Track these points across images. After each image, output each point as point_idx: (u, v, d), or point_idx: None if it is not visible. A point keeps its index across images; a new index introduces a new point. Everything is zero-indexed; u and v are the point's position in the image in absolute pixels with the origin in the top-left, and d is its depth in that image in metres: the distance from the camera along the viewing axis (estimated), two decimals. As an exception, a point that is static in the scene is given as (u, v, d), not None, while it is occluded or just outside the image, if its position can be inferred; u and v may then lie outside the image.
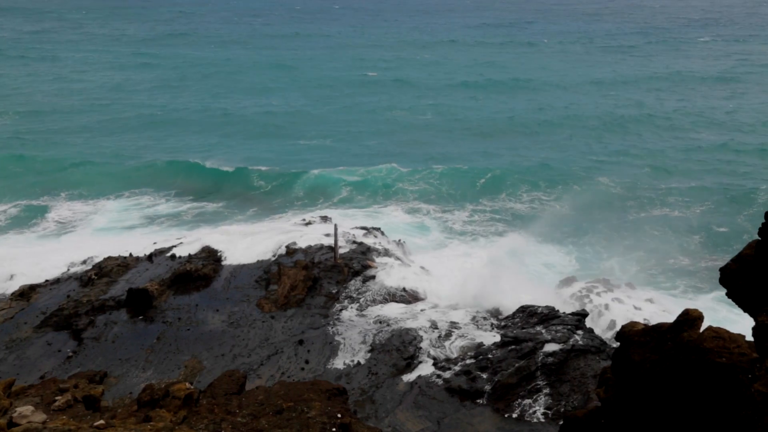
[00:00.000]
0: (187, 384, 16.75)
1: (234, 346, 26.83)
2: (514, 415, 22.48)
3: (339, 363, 25.84)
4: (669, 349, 9.69)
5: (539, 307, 28.61)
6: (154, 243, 37.75)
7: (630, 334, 10.66)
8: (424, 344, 26.79)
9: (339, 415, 16.60)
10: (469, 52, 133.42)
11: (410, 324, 28.38)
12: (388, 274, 32.94)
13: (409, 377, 24.78)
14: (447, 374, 24.59)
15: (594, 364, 24.28)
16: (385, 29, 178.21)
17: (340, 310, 29.96)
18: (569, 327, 26.40)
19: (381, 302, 30.67)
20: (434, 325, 28.26)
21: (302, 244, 36.18)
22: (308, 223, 40.53)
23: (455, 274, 33.86)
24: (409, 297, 31.51)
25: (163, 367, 25.42)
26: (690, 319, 9.69)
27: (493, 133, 72.16)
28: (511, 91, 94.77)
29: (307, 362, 25.82)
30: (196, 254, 34.62)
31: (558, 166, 59.35)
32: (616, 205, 50.04)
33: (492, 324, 28.63)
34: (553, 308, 28.34)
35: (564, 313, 27.94)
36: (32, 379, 23.29)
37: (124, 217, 47.04)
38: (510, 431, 21.80)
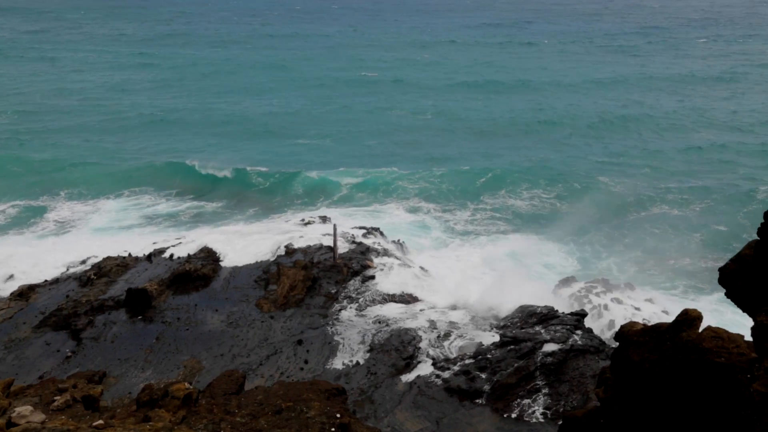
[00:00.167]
0: (186, 384, 16.73)
1: (233, 346, 26.82)
2: (513, 415, 22.48)
3: (338, 363, 25.84)
4: (668, 349, 9.67)
5: (538, 307, 28.62)
6: (154, 243, 37.75)
7: (629, 334, 10.65)
8: (423, 344, 26.79)
9: (338, 415, 16.59)
10: (469, 52, 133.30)
11: (409, 324, 28.38)
12: (387, 275, 32.93)
13: (408, 377, 24.78)
14: (446, 374, 24.59)
15: (593, 364, 24.29)
16: (384, 29, 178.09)
17: (339, 310, 29.94)
18: (568, 327, 26.40)
19: (380, 302, 30.66)
20: (433, 325, 28.26)
21: (301, 244, 36.19)
22: (307, 223, 40.53)
23: (455, 275, 33.84)
24: (409, 297, 31.49)
25: (162, 367, 25.42)
26: (689, 319, 9.68)
27: (494, 133, 72.20)
28: (511, 91, 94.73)
29: (306, 362, 25.81)
30: (195, 254, 34.61)
31: (558, 166, 59.41)
32: (616, 204, 50.08)
33: (491, 324, 28.63)
34: (552, 308, 28.34)
35: (563, 313, 27.94)
36: (31, 379, 23.28)
37: (123, 217, 47.02)
38: (509, 431, 21.80)
